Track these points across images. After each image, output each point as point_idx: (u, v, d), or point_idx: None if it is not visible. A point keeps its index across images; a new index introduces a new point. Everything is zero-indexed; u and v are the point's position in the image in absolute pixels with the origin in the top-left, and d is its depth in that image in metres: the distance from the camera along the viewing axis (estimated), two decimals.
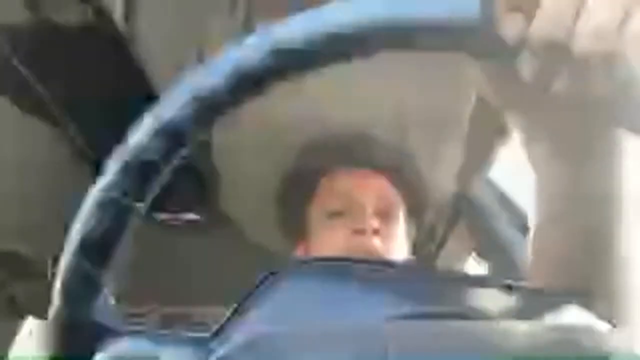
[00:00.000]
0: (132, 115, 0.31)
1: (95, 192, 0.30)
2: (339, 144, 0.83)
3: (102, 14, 0.69)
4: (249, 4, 0.67)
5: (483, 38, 0.30)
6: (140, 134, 0.30)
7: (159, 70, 0.74)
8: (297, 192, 0.84)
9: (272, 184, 0.90)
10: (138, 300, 1.23)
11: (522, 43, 0.29)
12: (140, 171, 0.30)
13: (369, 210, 0.77)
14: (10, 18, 0.69)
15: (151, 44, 0.72)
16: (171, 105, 0.30)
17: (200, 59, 0.70)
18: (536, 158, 0.43)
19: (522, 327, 0.31)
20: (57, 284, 0.30)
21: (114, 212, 0.30)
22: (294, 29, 0.29)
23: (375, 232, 0.75)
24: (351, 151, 0.83)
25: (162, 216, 1.06)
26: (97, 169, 0.31)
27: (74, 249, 0.30)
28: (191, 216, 1.09)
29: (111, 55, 0.74)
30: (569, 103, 0.31)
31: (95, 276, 0.30)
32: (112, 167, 0.30)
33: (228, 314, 0.34)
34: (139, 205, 0.31)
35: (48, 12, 0.70)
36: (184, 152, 0.31)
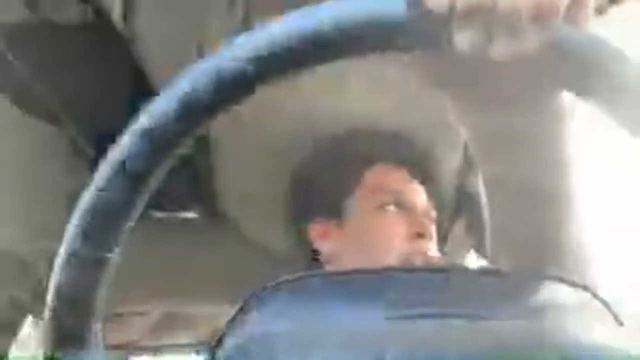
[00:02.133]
0: (132, 114, 0.31)
1: (90, 192, 0.30)
2: (377, 139, 0.84)
3: (101, 13, 0.69)
4: (247, 2, 0.66)
5: (413, 30, 0.30)
6: (127, 138, 0.30)
7: (159, 69, 0.74)
8: (335, 178, 0.85)
9: (270, 182, 0.90)
10: (138, 300, 1.23)
11: (451, 14, 0.29)
12: (129, 176, 0.29)
13: (424, 212, 0.81)
14: (10, 17, 0.69)
15: (151, 43, 0.72)
16: (157, 109, 0.29)
17: (200, 58, 0.70)
18: (475, 132, 0.43)
19: (519, 326, 0.31)
20: (51, 285, 0.30)
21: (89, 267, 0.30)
22: (289, 28, 0.29)
23: (431, 237, 0.78)
24: (397, 149, 0.85)
25: (160, 215, 1.06)
26: (96, 168, 0.30)
27: (67, 254, 0.30)
28: (189, 214, 1.09)
29: (111, 54, 0.74)
30: (505, 67, 0.32)
31: (88, 279, 0.30)
32: (104, 170, 0.30)
33: (226, 324, 0.34)
34: (111, 255, 0.30)
35: (48, 12, 0.70)
36: (173, 155, 0.30)
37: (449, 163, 0.96)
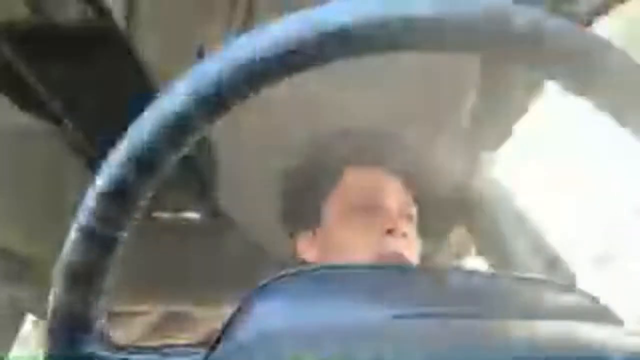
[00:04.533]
0: (132, 114, 0.31)
1: (95, 188, 0.30)
2: (359, 140, 0.83)
3: (102, 13, 0.69)
4: (249, 3, 0.67)
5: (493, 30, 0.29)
6: (143, 128, 0.30)
7: (159, 70, 0.74)
8: (313, 185, 0.84)
9: (272, 181, 0.90)
10: (138, 300, 1.23)
11: None
12: (142, 166, 0.30)
13: (397, 212, 0.79)
14: (11, 17, 0.69)
15: (151, 43, 0.72)
16: (171, 101, 0.30)
17: (201, 58, 0.70)
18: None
19: (523, 326, 0.31)
20: (60, 261, 0.30)
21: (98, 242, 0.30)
22: (288, 29, 0.29)
23: (404, 235, 0.75)
24: (371, 149, 0.83)
25: (162, 215, 1.07)
26: (97, 168, 0.30)
27: (77, 231, 0.30)
28: (190, 214, 1.09)
29: (111, 54, 0.74)
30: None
31: (92, 275, 0.30)
32: (112, 163, 0.30)
33: (225, 323, 0.34)
34: (121, 234, 0.30)
35: (48, 11, 0.70)
36: (184, 148, 0.30)
37: (446, 167, 0.96)
